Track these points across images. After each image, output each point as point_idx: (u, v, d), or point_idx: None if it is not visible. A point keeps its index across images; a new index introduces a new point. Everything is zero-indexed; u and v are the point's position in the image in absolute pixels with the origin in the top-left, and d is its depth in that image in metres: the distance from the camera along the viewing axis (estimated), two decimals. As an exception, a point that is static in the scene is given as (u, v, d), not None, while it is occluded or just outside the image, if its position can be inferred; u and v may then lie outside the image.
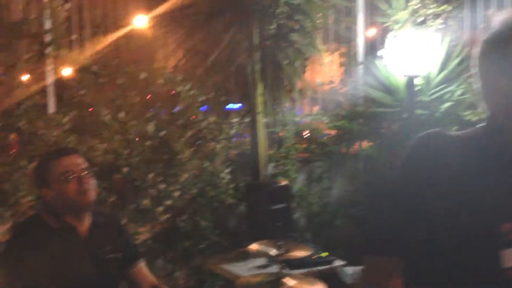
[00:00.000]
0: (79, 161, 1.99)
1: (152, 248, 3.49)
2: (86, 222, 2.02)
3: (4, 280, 1.84)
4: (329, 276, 2.49)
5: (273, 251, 2.31)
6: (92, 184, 1.97)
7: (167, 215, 3.48)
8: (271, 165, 4.26)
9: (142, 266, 2.19)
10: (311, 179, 4.56)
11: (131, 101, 3.36)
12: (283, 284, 2.15)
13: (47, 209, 2.00)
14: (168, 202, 3.45)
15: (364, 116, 4.35)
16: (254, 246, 2.46)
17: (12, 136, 2.77)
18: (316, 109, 4.65)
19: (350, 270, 2.59)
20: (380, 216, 1.17)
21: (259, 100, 3.99)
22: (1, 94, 2.79)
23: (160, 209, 3.35)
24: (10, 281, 1.83)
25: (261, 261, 3.03)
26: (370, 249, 1.18)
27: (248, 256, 3.11)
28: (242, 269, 2.90)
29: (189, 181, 3.68)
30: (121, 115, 3.22)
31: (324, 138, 4.39)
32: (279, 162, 4.29)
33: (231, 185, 3.89)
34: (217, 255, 3.26)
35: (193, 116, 3.72)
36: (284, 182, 3.32)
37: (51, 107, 3.02)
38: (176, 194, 3.51)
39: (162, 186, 3.42)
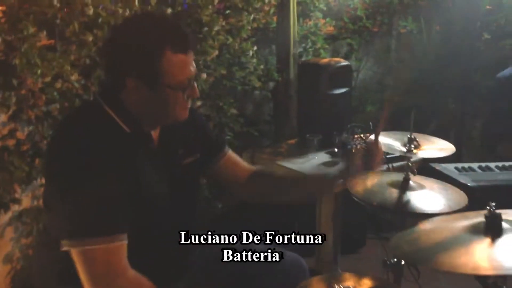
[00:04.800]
0: (194, 64, 1.44)
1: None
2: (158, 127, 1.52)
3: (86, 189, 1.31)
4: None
5: (400, 145, 1.81)
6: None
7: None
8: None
9: (230, 155, 1.74)
10: (336, 59, 4.02)
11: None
12: (410, 187, 1.68)
13: (116, 103, 1.42)
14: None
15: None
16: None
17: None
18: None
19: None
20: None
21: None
22: None
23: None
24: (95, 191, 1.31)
25: (323, 157, 2.56)
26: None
27: (303, 150, 2.63)
28: (308, 167, 2.42)
29: (215, 60, 3.04)
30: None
31: (359, 12, 3.76)
32: (307, 38, 3.69)
33: (261, 66, 3.28)
34: (264, 148, 2.74)
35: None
36: (345, 62, 2.76)
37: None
38: (204, 76, 2.88)
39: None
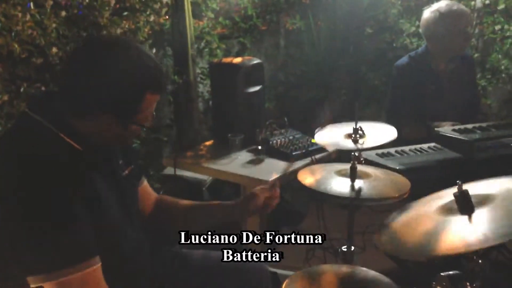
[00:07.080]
0: None
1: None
2: None
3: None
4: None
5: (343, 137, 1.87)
6: None
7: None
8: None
9: (145, 185, 1.70)
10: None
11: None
12: (359, 175, 1.76)
13: (65, 125, 1.30)
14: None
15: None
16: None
17: None
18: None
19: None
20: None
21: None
22: None
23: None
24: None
25: (246, 155, 2.55)
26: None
27: (225, 151, 2.59)
28: (235, 166, 2.40)
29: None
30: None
31: (250, 11, 3.82)
32: (202, 39, 3.66)
33: (164, 69, 3.16)
34: (185, 152, 2.63)
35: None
36: (257, 60, 2.76)
37: None
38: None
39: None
